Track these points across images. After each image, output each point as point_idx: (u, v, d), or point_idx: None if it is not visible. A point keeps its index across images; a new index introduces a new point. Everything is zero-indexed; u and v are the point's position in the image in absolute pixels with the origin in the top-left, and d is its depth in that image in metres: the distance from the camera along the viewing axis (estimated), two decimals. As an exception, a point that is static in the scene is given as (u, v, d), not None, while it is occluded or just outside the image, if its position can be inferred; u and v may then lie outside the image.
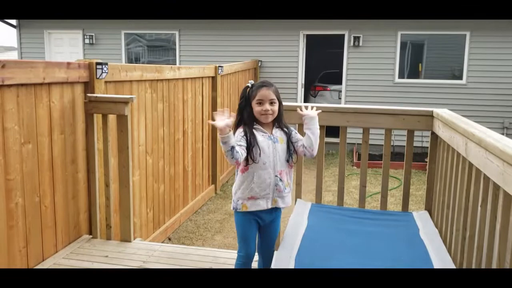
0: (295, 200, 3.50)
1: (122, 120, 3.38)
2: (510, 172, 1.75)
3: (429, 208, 3.41)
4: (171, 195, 5.00)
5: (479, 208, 2.21)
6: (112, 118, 3.51)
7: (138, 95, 4.17)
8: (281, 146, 2.57)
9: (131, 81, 4.03)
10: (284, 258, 2.52)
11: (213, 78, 6.32)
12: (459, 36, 8.97)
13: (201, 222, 5.44)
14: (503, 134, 8.86)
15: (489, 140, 2.03)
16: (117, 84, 3.82)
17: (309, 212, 3.21)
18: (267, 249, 2.71)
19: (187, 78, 5.37)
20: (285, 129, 2.62)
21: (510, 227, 1.83)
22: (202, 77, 5.92)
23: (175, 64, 10.04)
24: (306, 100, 10.50)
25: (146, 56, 10.49)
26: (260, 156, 2.49)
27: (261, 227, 2.64)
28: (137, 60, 10.49)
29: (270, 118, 2.56)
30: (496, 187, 1.97)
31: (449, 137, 2.81)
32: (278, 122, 2.61)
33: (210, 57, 9.49)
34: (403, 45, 9.24)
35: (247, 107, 2.57)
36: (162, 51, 10.41)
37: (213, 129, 6.37)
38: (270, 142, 2.54)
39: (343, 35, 9.39)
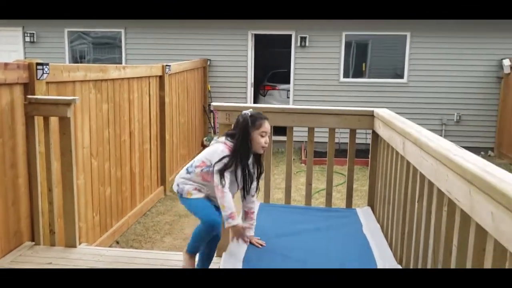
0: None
1: (64, 122, 3.29)
2: (442, 170, 1.87)
3: (371, 204, 3.55)
4: (118, 198, 4.90)
5: (416, 204, 2.33)
6: (54, 121, 3.40)
7: (82, 96, 4.06)
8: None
9: (74, 81, 3.92)
10: (232, 259, 2.55)
11: (161, 77, 6.24)
12: (400, 36, 9.34)
13: (150, 224, 5.37)
14: (441, 130, 9.33)
15: (423, 139, 2.14)
16: (59, 85, 3.70)
17: (257, 212, 3.25)
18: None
19: (133, 78, 5.27)
20: (260, 163, 2.76)
21: (443, 222, 1.94)
22: (149, 76, 5.84)
23: (122, 62, 9.82)
24: (255, 99, 10.57)
25: (92, 54, 10.19)
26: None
27: None
28: (81, 58, 10.16)
29: (263, 151, 2.71)
30: (431, 184, 2.09)
31: (388, 136, 2.94)
32: (258, 155, 2.73)
33: (158, 56, 9.35)
34: (348, 45, 9.50)
35: (246, 137, 2.62)
36: (108, 48, 10.15)
37: (162, 129, 6.30)
38: (243, 174, 2.67)
39: (290, 35, 9.53)
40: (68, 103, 3.23)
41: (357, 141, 3.66)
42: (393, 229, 2.84)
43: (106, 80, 4.53)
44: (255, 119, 2.64)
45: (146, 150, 5.76)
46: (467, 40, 9.13)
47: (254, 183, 2.77)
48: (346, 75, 9.57)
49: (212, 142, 2.80)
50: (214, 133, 9.47)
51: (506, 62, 8.80)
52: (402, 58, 9.40)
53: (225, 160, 2.58)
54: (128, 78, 5.11)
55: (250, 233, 2.77)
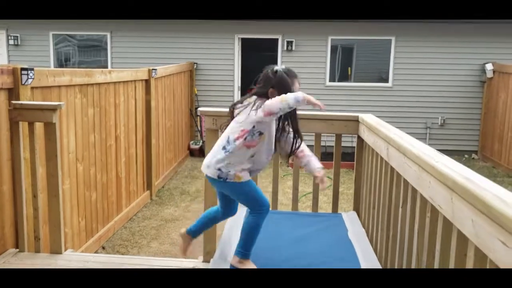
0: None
1: (50, 127, 3.26)
2: (424, 177, 1.90)
3: (357, 209, 3.58)
4: (104, 203, 4.87)
5: (400, 209, 2.37)
6: (39, 126, 3.37)
7: (67, 101, 4.04)
8: None
9: (59, 86, 3.89)
10: (220, 262, 2.57)
11: (147, 81, 6.22)
12: (385, 41, 9.44)
13: (136, 229, 5.35)
14: (426, 133, 9.44)
15: (406, 145, 2.18)
16: (44, 90, 3.67)
17: (244, 217, 3.26)
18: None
19: (119, 82, 5.25)
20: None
21: (426, 228, 1.98)
22: (135, 80, 5.82)
23: (108, 65, 9.76)
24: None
25: (77, 57, 10.10)
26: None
27: None
28: (67, 61, 10.07)
29: None
30: (414, 191, 2.12)
31: (373, 142, 2.98)
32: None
33: (144, 59, 9.32)
34: (334, 50, 9.58)
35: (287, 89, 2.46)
36: (94, 51, 10.07)
37: (147, 133, 6.28)
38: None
39: (277, 39, 9.57)
40: (53, 109, 3.21)
41: (344, 144, 3.70)
42: (378, 234, 2.87)
43: (91, 84, 4.50)
44: (292, 74, 2.53)
45: (132, 154, 5.74)
46: (451, 45, 9.26)
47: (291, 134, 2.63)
48: (332, 79, 9.64)
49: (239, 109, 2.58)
50: (201, 137, 9.46)
51: (489, 67, 8.95)
52: (387, 62, 9.50)
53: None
54: (114, 82, 5.08)
55: (317, 164, 2.66)
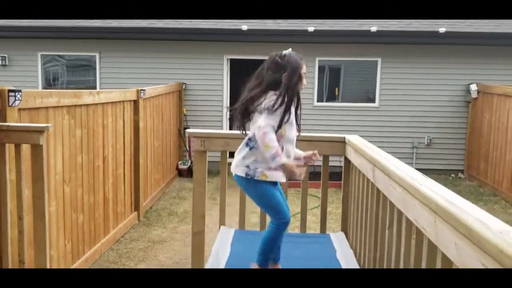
0: (219, 227, 3.55)
1: (37, 149, 3.25)
2: (409, 199, 1.93)
3: (345, 229, 3.60)
4: (91, 225, 4.82)
5: (386, 231, 2.39)
6: (26, 147, 3.35)
7: (55, 122, 4.03)
8: None
9: (47, 107, 3.89)
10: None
11: (135, 102, 6.23)
12: (372, 62, 9.59)
13: (124, 251, 5.29)
14: (413, 153, 9.54)
15: (391, 168, 2.21)
16: (31, 112, 3.66)
17: (232, 239, 3.26)
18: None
19: (108, 103, 5.25)
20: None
21: (412, 250, 2.00)
22: (124, 101, 5.82)
23: (96, 85, 9.75)
24: (231, 123, 10.60)
25: (65, 76, 10.09)
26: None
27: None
28: (55, 81, 10.06)
29: None
30: (400, 213, 2.15)
31: (359, 163, 3.01)
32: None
33: (133, 79, 9.33)
34: (321, 70, 9.70)
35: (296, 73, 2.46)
36: (82, 71, 10.08)
37: (135, 154, 6.26)
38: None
39: (265, 60, 9.66)
40: (41, 130, 3.20)
41: (332, 163, 3.73)
42: (366, 255, 2.88)
43: (80, 105, 4.50)
44: (299, 61, 2.50)
45: (119, 175, 5.71)
46: (436, 66, 9.44)
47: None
48: (320, 99, 9.73)
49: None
50: (190, 157, 9.45)
51: (473, 87, 9.12)
52: (373, 83, 9.63)
53: (279, 100, 2.41)
54: (102, 103, 5.09)
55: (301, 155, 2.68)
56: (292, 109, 2.50)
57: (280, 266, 2.69)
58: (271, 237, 2.53)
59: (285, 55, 2.50)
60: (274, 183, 2.56)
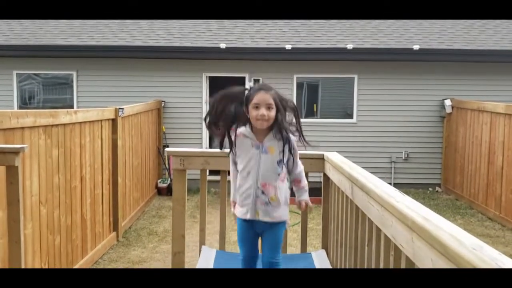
0: (200, 248, 3.52)
1: (12, 171, 3.19)
2: (387, 216, 1.96)
3: (325, 246, 3.61)
4: (68, 247, 4.73)
5: (366, 248, 2.41)
6: (1, 169, 3.29)
7: (31, 142, 3.97)
8: (270, 158, 2.48)
9: (23, 127, 3.83)
10: None
11: (114, 120, 6.19)
12: (349, 78, 9.75)
13: (102, 272, 5.18)
14: (391, 167, 9.66)
15: (369, 185, 2.24)
16: (6, 132, 3.60)
17: (214, 260, 3.24)
18: (265, 257, 2.60)
19: (85, 122, 5.20)
20: (283, 138, 2.50)
21: (390, 266, 2.02)
22: (101, 120, 5.77)
23: (73, 103, 9.65)
24: (211, 140, 10.60)
25: (42, 95, 9.95)
26: (243, 166, 2.50)
27: (259, 234, 2.61)
28: (31, 99, 9.91)
29: (266, 125, 2.44)
30: (378, 229, 2.17)
31: (338, 180, 3.04)
32: (276, 129, 2.48)
33: (111, 97, 9.27)
34: (300, 86, 9.81)
35: (242, 110, 2.47)
36: (59, 89, 9.96)
37: (114, 173, 6.19)
38: (256, 152, 2.47)
39: (244, 78, 9.74)
40: (16, 152, 3.15)
41: (313, 179, 3.75)
42: (346, 272, 2.89)
43: (56, 125, 4.45)
44: (250, 92, 2.49)
45: (98, 195, 5.63)
46: (411, 82, 9.64)
47: (290, 160, 2.62)
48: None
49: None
50: (169, 175, 9.38)
51: (448, 102, 9.34)
52: (351, 99, 9.78)
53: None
54: (80, 123, 5.04)
55: (304, 197, 2.71)
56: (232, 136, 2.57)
57: None
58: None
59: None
60: (243, 220, 2.59)
